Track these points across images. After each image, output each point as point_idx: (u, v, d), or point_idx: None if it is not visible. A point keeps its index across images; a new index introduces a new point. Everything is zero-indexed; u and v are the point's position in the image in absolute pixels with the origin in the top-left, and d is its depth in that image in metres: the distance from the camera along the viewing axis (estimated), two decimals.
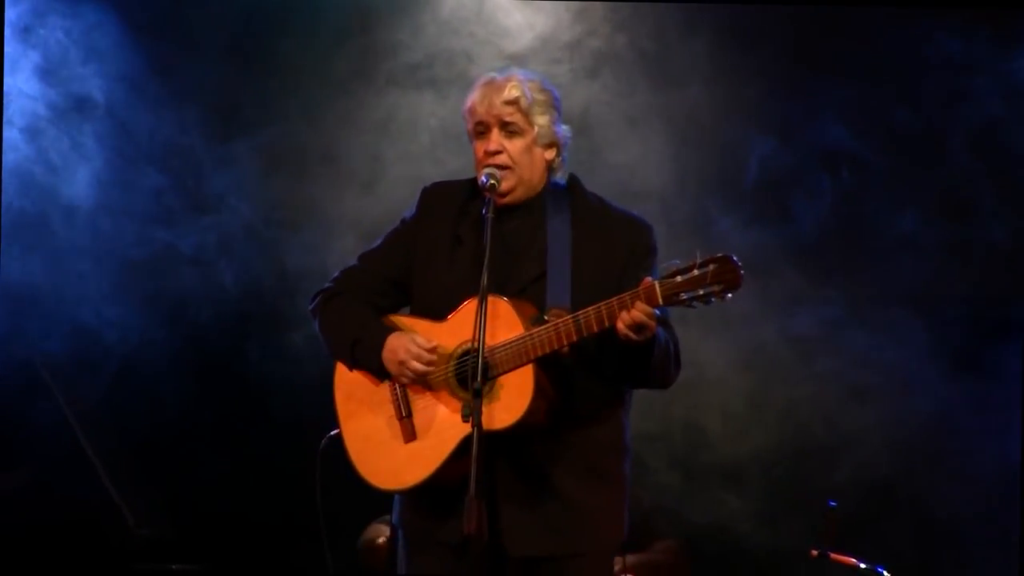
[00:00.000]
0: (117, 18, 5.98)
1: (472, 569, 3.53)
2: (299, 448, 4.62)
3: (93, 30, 5.97)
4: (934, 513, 5.82)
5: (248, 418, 5.92)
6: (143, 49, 5.99)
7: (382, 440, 3.63)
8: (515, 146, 3.62)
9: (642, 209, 5.58)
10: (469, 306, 3.54)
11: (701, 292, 3.31)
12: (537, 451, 3.54)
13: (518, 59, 5.88)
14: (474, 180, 3.69)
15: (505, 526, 3.53)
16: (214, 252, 5.96)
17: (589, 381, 3.57)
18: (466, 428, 3.42)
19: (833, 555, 4.64)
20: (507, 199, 3.63)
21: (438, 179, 3.87)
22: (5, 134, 5.86)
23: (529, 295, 3.55)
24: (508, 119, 3.62)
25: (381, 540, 4.91)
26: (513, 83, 3.64)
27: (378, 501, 3.82)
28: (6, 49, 5.86)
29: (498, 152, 3.62)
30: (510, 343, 3.46)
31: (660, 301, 3.35)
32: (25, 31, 5.92)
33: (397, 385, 3.63)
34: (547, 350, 3.44)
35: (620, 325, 3.37)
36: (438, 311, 3.61)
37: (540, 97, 3.65)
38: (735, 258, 3.30)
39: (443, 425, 3.56)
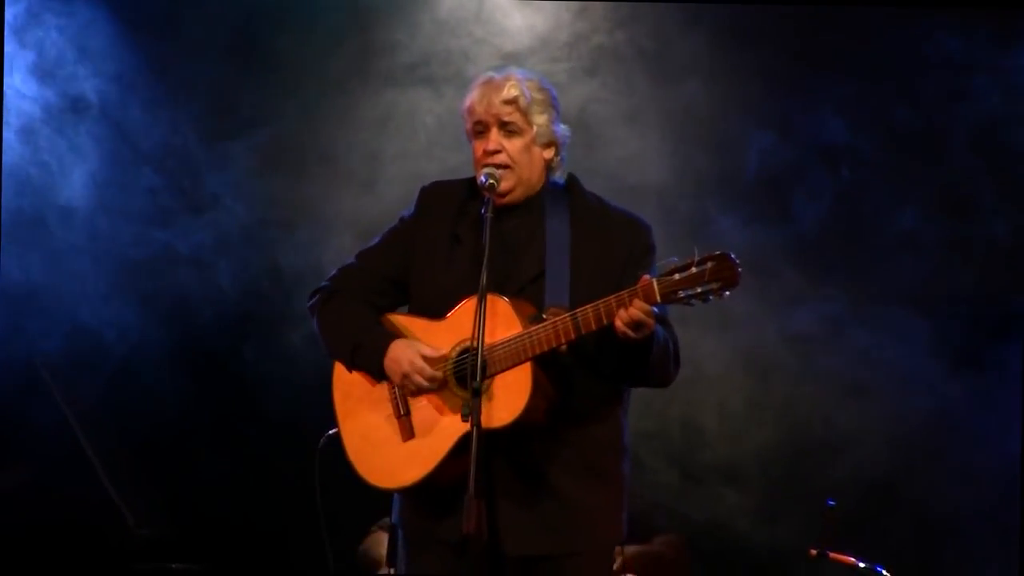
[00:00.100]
0: (112, 17, 5.97)
1: (471, 568, 3.53)
2: (298, 447, 4.62)
3: (88, 29, 5.97)
4: (934, 512, 5.81)
5: (247, 417, 5.92)
6: (139, 48, 5.98)
7: (380, 439, 3.63)
8: (514, 145, 3.62)
9: (641, 206, 5.63)
10: (467, 305, 3.54)
11: (699, 290, 3.32)
12: (535, 450, 3.54)
13: (516, 58, 5.88)
14: (473, 179, 3.69)
15: (503, 525, 3.53)
16: (212, 252, 5.96)
17: (587, 380, 3.57)
18: (464, 426, 3.43)
19: (832, 554, 4.64)
20: (506, 199, 3.63)
21: (436, 178, 3.87)
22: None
23: (528, 294, 3.55)
24: (507, 118, 3.62)
25: (379, 552, 4.89)
26: (512, 82, 3.64)
27: (377, 499, 3.82)
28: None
29: (497, 151, 3.62)
30: (508, 341, 3.46)
31: (658, 299, 3.35)
32: (20, 31, 5.91)
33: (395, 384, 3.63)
34: (545, 348, 3.44)
35: (618, 323, 3.37)
36: (436, 310, 3.61)
37: (539, 96, 3.65)
38: (733, 256, 3.31)
39: (441, 424, 3.56)
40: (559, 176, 3.72)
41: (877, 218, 5.93)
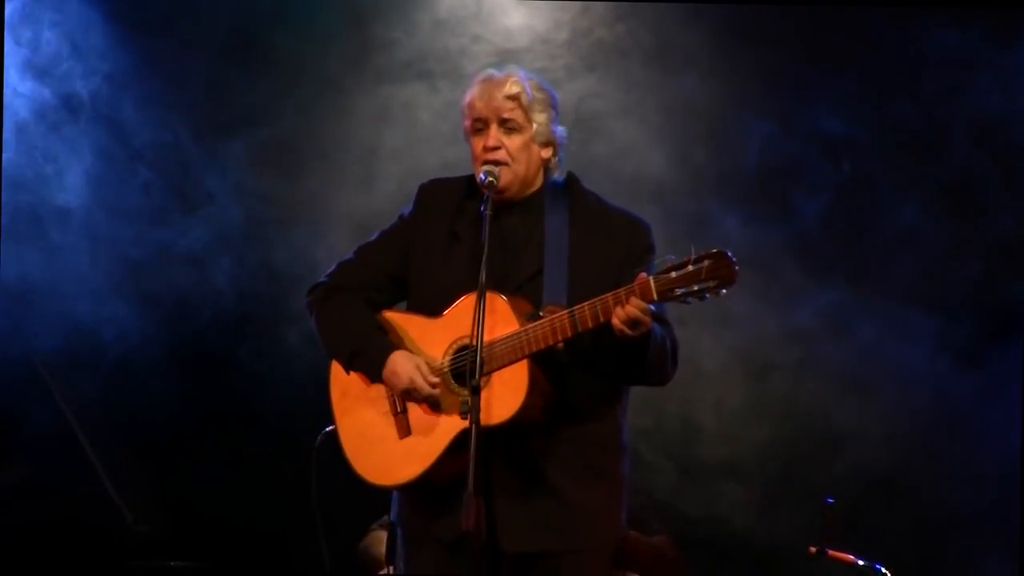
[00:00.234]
0: (108, 15, 5.97)
1: (469, 566, 3.51)
2: (296, 444, 4.61)
3: (83, 27, 5.96)
4: (934, 509, 5.81)
5: (245, 415, 5.92)
6: (135, 46, 5.98)
7: (377, 436, 3.63)
8: (513, 142, 3.63)
9: (640, 201, 5.68)
10: (464, 302, 3.55)
11: (696, 288, 3.32)
12: (533, 447, 3.54)
13: (515, 54, 5.88)
14: (471, 177, 3.69)
15: (501, 522, 3.53)
16: (209, 250, 5.96)
17: (585, 378, 3.57)
18: (460, 424, 3.44)
19: (831, 552, 4.63)
20: (503, 195, 3.62)
21: (433, 174, 3.87)
22: None
23: (526, 292, 3.55)
24: (508, 115, 3.62)
25: (378, 550, 4.89)
26: (513, 79, 3.65)
27: (375, 497, 3.82)
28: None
29: (497, 147, 3.62)
30: (505, 339, 3.46)
31: (655, 297, 3.35)
32: (15, 28, 5.90)
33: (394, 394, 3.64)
34: (542, 346, 3.44)
35: (615, 321, 3.37)
36: (434, 307, 3.61)
37: (539, 95, 3.66)
38: (730, 254, 3.31)
39: (438, 421, 3.57)
40: (558, 176, 3.72)
41: (878, 214, 5.92)
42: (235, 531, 5.86)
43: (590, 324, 3.40)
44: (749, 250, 5.79)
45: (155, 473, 5.85)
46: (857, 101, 5.91)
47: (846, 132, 5.91)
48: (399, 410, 3.62)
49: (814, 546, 4.66)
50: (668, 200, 5.89)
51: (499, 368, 3.46)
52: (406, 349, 3.62)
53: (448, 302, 3.58)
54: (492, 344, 3.45)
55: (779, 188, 5.93)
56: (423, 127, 5.97)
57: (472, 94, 3.66)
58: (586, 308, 3.40)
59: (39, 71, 5.95)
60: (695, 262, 3.31)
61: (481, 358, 3.39)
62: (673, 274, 3.33)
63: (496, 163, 3.60)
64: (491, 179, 3.57)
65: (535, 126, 3.64)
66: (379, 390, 3.65)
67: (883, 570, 4.59)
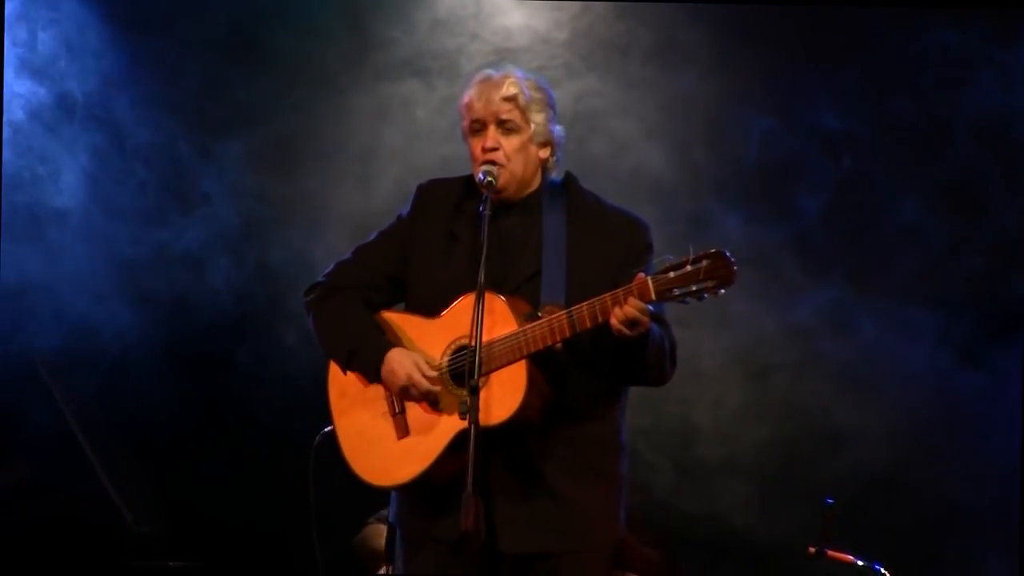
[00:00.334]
0: (104, 15, 5.96)
1: (468, 566, 3.52)
2: (295, 444, 4.61)
3: (80, 28, 5.95)
4: (935, 508, 5.81)
5: (244, 415, 5.92)
6: (131, 46, 5.97)
7: (375, 436, 3.63)
8: (511, 143, 3.62)
9: (640, 198, 5.68)
10: (463, 302, 3.54)
11: (694, 288, 3.32)
12: (531, 448, 3.54)
13: (513, 52, 5.88)
14: (469, 177, 3.69)
15: (500, 523, 3.53)
16: (206, 250, 5.95)
17: (584, 378, 3.56)
18: (459, 424, 3.43)
19: (830, 552, 4.63)
20: (501, 195, 3.62)
21: (430, 172, 3.88)
22: None
23: (524, 293, 3.54)
24: (505, 116, 3.62)
25: (377, 542, 4.89)
26: (511, 80, 3.64)
27: (373, 498, 3.81)
28: None
29: (495, 148, 3.61)
30: (504, 339, 3.45)
31: (653, 296, 3.35)
32: (11, 28, 5.90)
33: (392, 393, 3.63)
34: (540, 346, 3.43)
35: (613, 321, 3.36)
36: (432, 308, 3.61)
37: (537, 95, 3.65)
38: (728, 253, 3.31)
39: (436, 421, 3.56)
40: (556, 176, 3.71)
41: (879, 211, 5.92)
42: (234, 531, 5.86)
43: (588, 324, 3.40)
44: (749, 248, 5.80)
45: (154, 473, 5.84)
46: (857, 98, 5.91)
47: (846, 129, 5.91)
48: (397, 410, 3.61)
49: (813, 547, 4.67)
50: (668, 198, 5.89)
51: (497, 368, 3.45)
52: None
53: (446, 302, 3.58)
54: (491, 344, 3.45)
55: (779, 186, 5.93)
56: (421, 126, 5.97)
57: (470, 95, 3.66)
58: (584, 308, 3.40)
59: (35, 71, 5.95)
60: (693, 262, 3.31)
61: (480, 358, 3.38)
62: (671, 274, 3.33)
63: (494, 164, 3.60)
64: (490, 179, 3.57)
65: (533, 126, 3.63)
66: (377, 390, 3.64)
67: (882, 570, 4.59)
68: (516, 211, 3.65)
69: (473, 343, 3.39)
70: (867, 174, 5.91)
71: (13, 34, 5.91)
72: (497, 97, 3.62)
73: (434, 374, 3.55)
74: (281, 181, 5.99)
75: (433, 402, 3.57)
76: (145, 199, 5.98)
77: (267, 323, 5.91)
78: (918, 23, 5.90)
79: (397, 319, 3.68)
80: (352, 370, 3.66)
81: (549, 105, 3.68)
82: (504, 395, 3.44)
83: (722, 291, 3.31)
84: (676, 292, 3.33)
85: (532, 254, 3.59)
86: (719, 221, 5.90)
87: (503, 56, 5.83)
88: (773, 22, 5.95)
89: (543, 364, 3.49)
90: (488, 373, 3.45)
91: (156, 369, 5.94)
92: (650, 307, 3.38)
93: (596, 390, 3.59)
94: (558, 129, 3.69)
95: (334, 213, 5.94)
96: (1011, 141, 5.87)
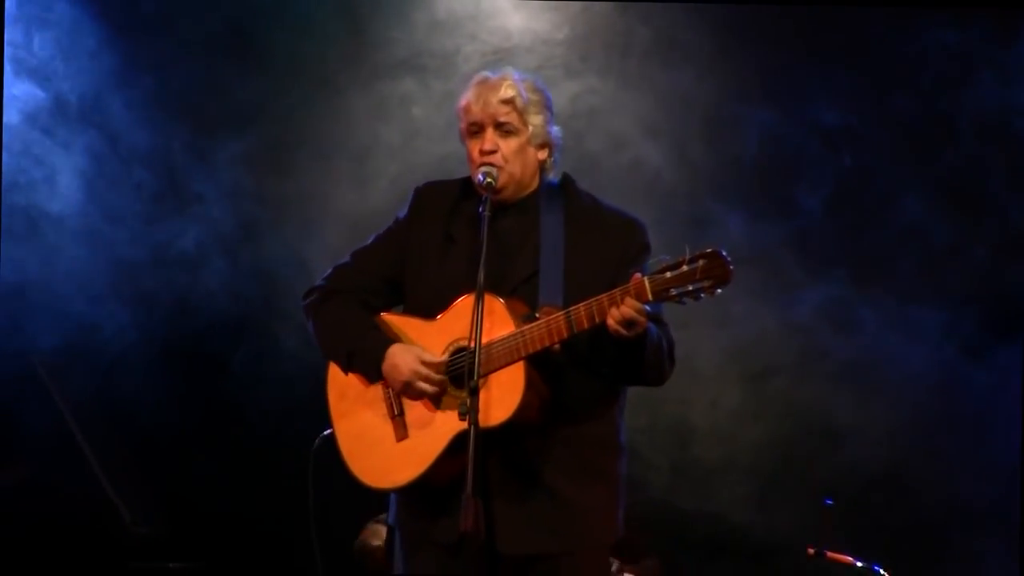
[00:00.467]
0: (99, 16, 5.96)
1: (467, 568, 3.52)
2: (295, 445, 4.61)
3: (75, 28, 5.95)
4: (936, 507, 5.81)
5: (243, 416, 5.92)
6: (127, 47, 5.97)
7: (374, 439, 3.63)
8: (509, 145, 3.62)
9: (639, 198, 5.67)
10: (461, 304, 3.54)
11: (690, 288, 3.32)
12: (530, 448, 3.54)
13: (512, 52, 5.88)
14: (466, 179, 3.70)
15: (498, 524, 3.52)
16: (205, 250, 5.95)
17: (582, 378, 3.56)
18: (458, 426, 3.43)
19: (829, 553, 4.63)
20: (499, 197, 3.62)
21: (429, 173, 3.88)
22: None
23: (521, 294, 3.54)
24: (503, 118, 3.62)
25: (376, 543, 4.89)
26: (508, 82, 3.64)
27: (373, 500, 3.81)
28: None
29: (493, 151, 3.61)
30: (502, 341, 3.45)
31: (650, 297, 3.35)
32: (7, 29, 5.90)
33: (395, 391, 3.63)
34: (538, 347, 3.43)
35: (610, 321, 3.36)
36: (430, 310, 3.61)
37: (534, 97, 3.65)
38: (724, 253, 3.30)
39: (435, 423, 3.56)
40: (554, 177, 3.71)
41: (880, 208, 5.92)
42: (234, 532, 5.85)
43: (586, 325, 3.40)
44: (750, 247, 5.79)
45: (153, 473, 5.85)
46: (858, 96, 5.91)
47: (847, 127, 5.90)
48: (396, 413, 3.61)
49: (813, 547, 4.66)
50: (667, 196, 5.89)
51: (496, 370, 3.45)
52: None
53: (444, 304, 3.58)
54: (489, 346, 3.45)
55: (779, 183, 5.93)
56: (418, 126, 5.96)
57: (467, 97, 3.66)
58: (582, 309, 3.40)
59: (31, 73, 5.94)
60: (690, 262, 3.31)
61: (480, 360, 3.38)
62: (668, 274, 3.33)
63: (493, 165, 3.60)
64: (489, 180, 3.57)
65: (531, 128, 3.63)
66: (376, 393, 3.64)
67: (881, 571, 4.58)
68: (513, 212, 3.65)
69: (472, 344, 3.39)
70: (868, 171, 5.91)
71: (8, 35, 5.91)
72: (495, 100, 3.62)
73: (438, 362, 3.54)
74: (278, 181, 5.99)
75: (432, 404, 3.56)
76: (142, 200, 5.97)
77: (265, 323, 5.91)
78: (918, 23, 5.89)
79: (395, 321, 3.67)
80: (353, 371, 3.66)
81: (546, 106, 3.68)
82: (503, 396, 3.44)
83: (719, 291, 3.31)
84: (673, 292, 3.33)
85: (530, 255, 3.58)
86: (719, 219, 5.90)
87: (501, 56, 5.84)
88: (773, 21, 5.95)
89: (541, 365, 3.48)
90: (487, 375, 3.44)
91: (154, 369, 5.94)
92: (647, 307, 3.38)
93: (594, 390, 3.59)
94: (555, 130, 3.69)
95: (331, 213, 5.94)
96: (1012, 138, 5.86)
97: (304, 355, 5.60)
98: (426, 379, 3.53)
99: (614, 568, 4.77)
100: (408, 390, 3.56)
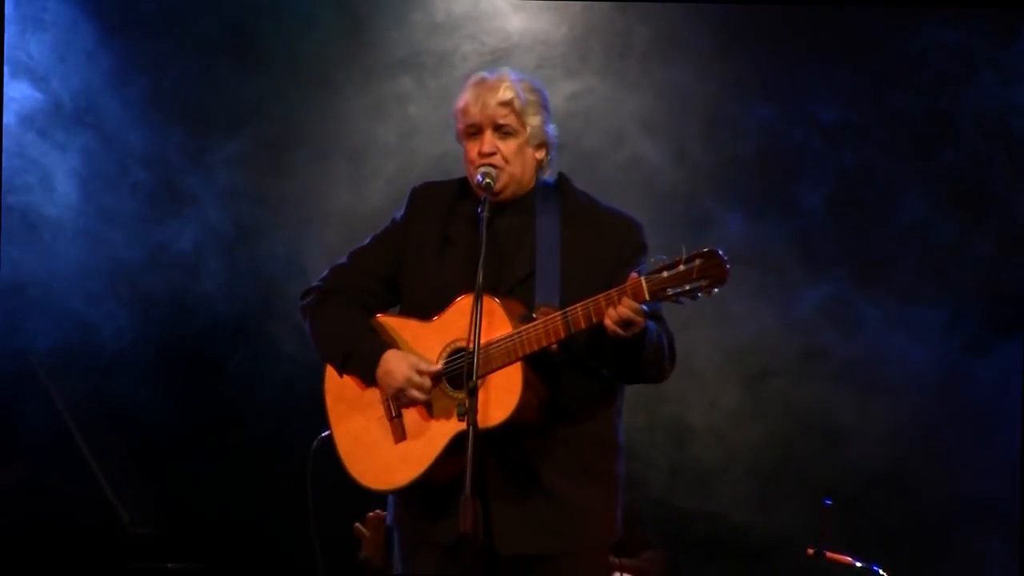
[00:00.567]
0: (96, 16, 5.95)
1: (466, 568, 3.52)
2: (295, 446, 4.59)
3: (72, 29, 5.95)
4: (938, 506, 5.80)
5: (243, 416, 5.91)
6: (123, 47, 5.97)
7: (372, 440, 3.63)
8: (508, 147, 3.62)
9: (639, 197, 5.66)
10: (457, 305, 3.54)
11: (687, 287, 3.31)
12: (528, 449, 3.54)
13: (511, 51, 5.87)
14: (462, 180, 3.70)
15: (497, 524, 3.52)
16: (203, 251, 5.95)
17: (580, 378, 3.56)
18: (456, 427, 3.44)
19: (829, 554, 4.62)
20: (499, 197, 3.62)
21: (427, 173, 3.88)
22: None
23: (518, 294, 3.54)
24: (502, 120, 3.62)
25: (370, 533, 4.87)
26: (506, 84, 3.64)
27: (371, 501, 3.79)
28: None
29: (492, 153, 3.61)
30: (499, 341, 3.45)
31: (647, 296, 3.35)
32: (4, 30, 5.90)
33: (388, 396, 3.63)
34: (536, 347, 3.43)
35: (607, 321, 3.36)
36: (427, 311, 3.61)
37: (532, 98, 3.66)
38: (721, 252, 3.30)
39: (433, 425, 3.56)
40: (549, 176, 3.71)
41: (881, 205, 5.91)
42: (233, 532, 5.85)
43: (583, 325, 3.40)
44: (749, 245, 5.78)
45: (153, 474, 5.85)
46: (858, 94, 5.90)
47: (848, 125, 5.89)
48: (394, 414, 3.61)
49: (812, 548, 4.65)
50: (666, 195, 5.88)
51: (494, 370, 3.45)
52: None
53: (441, 305, 3.57)
54: (487, 346, 3.45)
55: (779, 181, 5.92)
56: (415, 126, 5.95)
57: (465, 99, 3.66)
58: (579, 309, 3.40)
59: (28, 74, 5.94)
60: (686, 261, 3.31)
61: (478, 360, 3.38)
62: (665, 274, 3.33)
63: (493, 166, 3.60)
64: (488, 180, 3.58)
65: (529, 129, 3.64)
66: (374, 395, 3.64)
67: (881, 572, 4.58)
68: (510, 212, 3.64)
69: (470, 345, 3.39)
70: (869, 169, 5.90)
71: (8, 35, 5.90)
72: (493, 102, 3.61)
73: (432, 371, 3.54)
74: (275, 181, 5.98)
75: (429, 405, 3.56)
76: (139, 200, 5.97)
77: (264, 323, 5.91)
78: (917, 22, 5.88)
79: (392, 322, 3.67)
80: (348, 372, 3.66)
81: (544, 106, 3.68)
82: (501, 397, 3.44)
83: (716, 290, 3.31)
84: (670, 292, 3.33)
85: (526, 256, 3.58)
86: (719, 218, 5.89)
87: (499, 56, 5.84)
88: (774, 21, 5.94)
89: (539, 365, 3.48)
90: (484, 375, 3.44)
91: (153, 370, 5.93)
92: (644, 306, 3.37)
93: (592, 391, 3.59)
94: (552, 129, 3.70)
95: (328, 212, 5.93)
96: (1013, 135, 5.85)
97: (302, 355, 5.60)
98: (419, 387, 3.53)
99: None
100: (400, 396, 3.56)
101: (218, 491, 5.85)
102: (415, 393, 3.54)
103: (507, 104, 3.61)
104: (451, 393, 3.53)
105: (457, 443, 3.47)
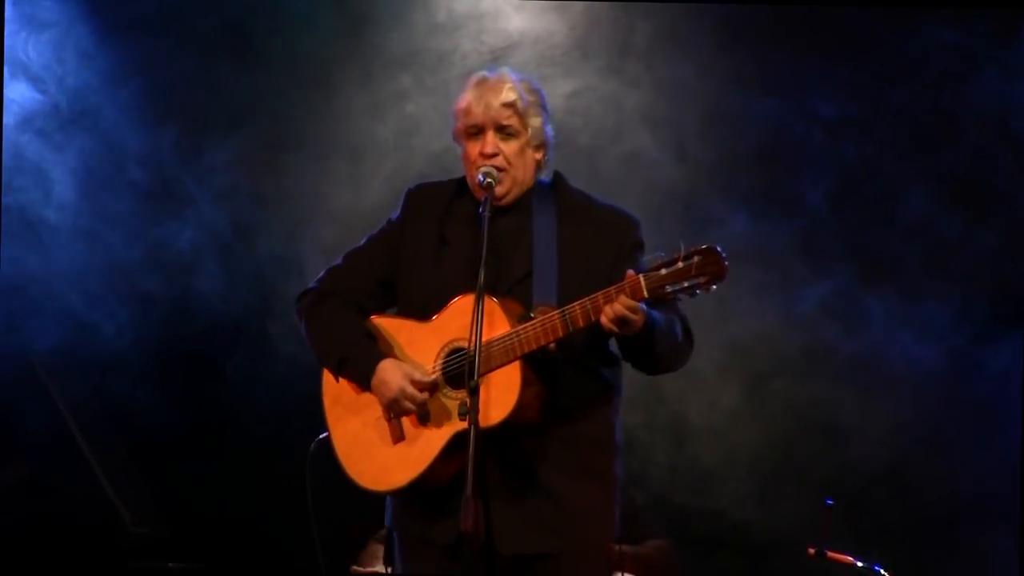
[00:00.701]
0: (94, 15, 5.96)
1: (466, 568, 3.52)
2: (295, 446, 4.59)
3: (70, 29, 5.95)
4: (939, 506, 5.79)
5: (244, 416, 5.91)
6: (121, 47, 5.97)
7: (370, 441, 3.63)
8: (510, 148, 3.62)
9: (639, 195, 5.66)
10: (455, 305, 3.54)
11: (686, 284, 3.32)
12: (526, 448, 3.53)
13: (510, 50, 5.87)
14: (458, 180, 3.71)
15: (496, 524, 3.52)
16: (202, 250, 5.95)
17: (578, 378, 3.57)
18: (454, 427, 3.46)
19: (830, 553, 4.62)
20: (501, 201, 3.62)
21: (425, 173, 3.87)
22: None
23: (516, 294, 3.54)
24: (505, 122, 3.62)
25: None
26: (509, 84, 3.64)
27: (370, 502, 3.79)
28: None
29: (495, 155, 3.61)
30: (498, 340, 3.45)
31: (645, 294, 3.35)
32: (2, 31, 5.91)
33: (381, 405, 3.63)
34: (534, 346, 3.44)
35: (604, 320, 3.37)
36: (424, 311, 3.61)
37: (532, 99, 3.66)
38: (719, 249, 3.31)
39: (431, 425, 3.56)
40: (544, 175, 3.72)
41: (884, 202, 5.90)
42: (234, 532, 5.85)
43: (581, 324, 3.40)
44: (751, 242, 5.78)
45: (154, 474, 5.85)
46: (860, 91, 5.89)
47: (849, 122, 5.89)
48: (392, 415, 3.60)
49: (813, 547, 4.65)
50: (668, 192, 5.88)
51: (493, 369, 3.45)
52: (395, 355, 3.61)
53: (438, 306, 3.57)
54: (486, 346, 3.44)
55: (782, 177, 5.92)
56: (414, 125, 5.95)
57: (467, 98, 3.65)
58: (577, 308, 3.40)
59: (26, 73, 5.94)
60: (685, 258, 3.32)
61: (480, 359, 3.38)
62: (663, 271, 3.33)
63: (494, 168, 3.60)
64: (489, 180, 3.58)
65: (530, 131, 3.64)
66: (371, 396, 3.63)
67: (882, 572, 4.57)
68: (507, 213, 3.64)
69: (470, 345, 3.39)
70: (871, 166, 5.89)
71: (5, 35, 5.91)
72: (496, 102, 3.61)
73: (427, 382, 3.54)
74: (274, 180, 5.98)
75: (423, 414, 3.56)
76: (137, 200, 5.97)
77: (263, 324, 5.91)
78: (917, 22, 5.88)
79: (388, 324, 3.67)
80: (343, 377, 3.67)
81: (543, 106, 3.69)
82: (500, 396, 3.44)
83: (715, 287, 3.32)
84: (669, 289, 3.33)
85: (523, 255, 3.58)
86: (721, 216, 5.89)
87: (499, 55, 5.84)
88: (775, 20, 5.94)
89: (537, 364, 3.48)
90: (483, 375, 3.43)
91: (152, 369, 5.94)
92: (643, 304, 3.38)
93: (590, 390, 3.60)
94: (550, 130, 3.70)
95: (328, 211, 5.93)
96: (1015, 133, 5.85)
97: (302, 355, 5.59)
98: (411, 398, 3.53)
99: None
100: (393, 406, 3.57)
101: (219, 491, 5.85)
102: (408, 404, 3.54)
103: (510, 105, 3.61)
104: (450, 393, 3.53)
105: (456, 443, 3.47)
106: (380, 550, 4.85)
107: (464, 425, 3.36)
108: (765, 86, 5.93)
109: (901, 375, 5.85)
